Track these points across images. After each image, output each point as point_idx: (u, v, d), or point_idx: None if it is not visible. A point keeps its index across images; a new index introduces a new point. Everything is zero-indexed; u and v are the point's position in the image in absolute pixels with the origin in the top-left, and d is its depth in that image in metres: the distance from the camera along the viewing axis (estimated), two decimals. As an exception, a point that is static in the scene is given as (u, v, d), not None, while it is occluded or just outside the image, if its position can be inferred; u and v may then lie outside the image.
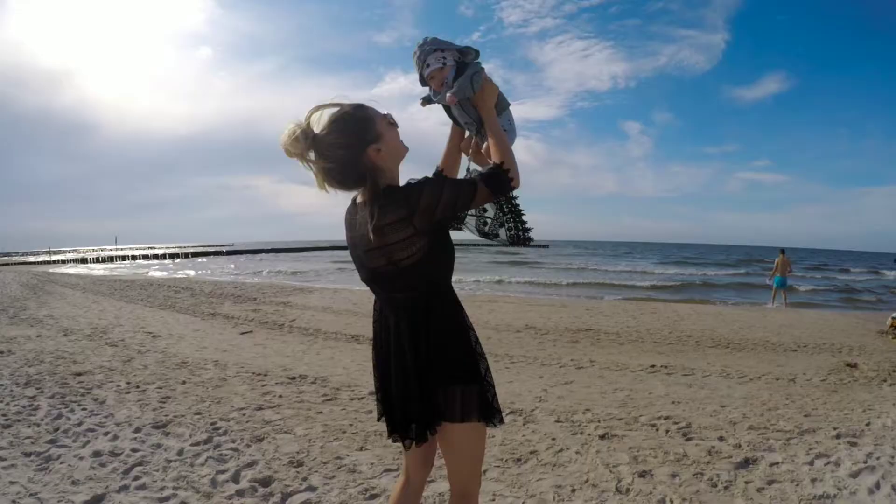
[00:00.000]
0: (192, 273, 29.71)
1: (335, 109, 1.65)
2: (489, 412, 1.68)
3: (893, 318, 9.46)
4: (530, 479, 3.28)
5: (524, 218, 1.87)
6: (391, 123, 1.70)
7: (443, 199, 1.58)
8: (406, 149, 1.75)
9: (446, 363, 1.65)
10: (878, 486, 3.16)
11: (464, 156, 2.05)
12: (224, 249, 73.11)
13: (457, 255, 1.76)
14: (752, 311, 13.73)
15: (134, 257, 53.02)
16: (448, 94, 1.83)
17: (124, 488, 3.14)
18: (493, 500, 2.99)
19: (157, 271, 32.35)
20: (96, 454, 3.62)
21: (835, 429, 4.18)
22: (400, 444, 1.80)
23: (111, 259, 50.10)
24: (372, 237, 1.60)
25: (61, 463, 3.48)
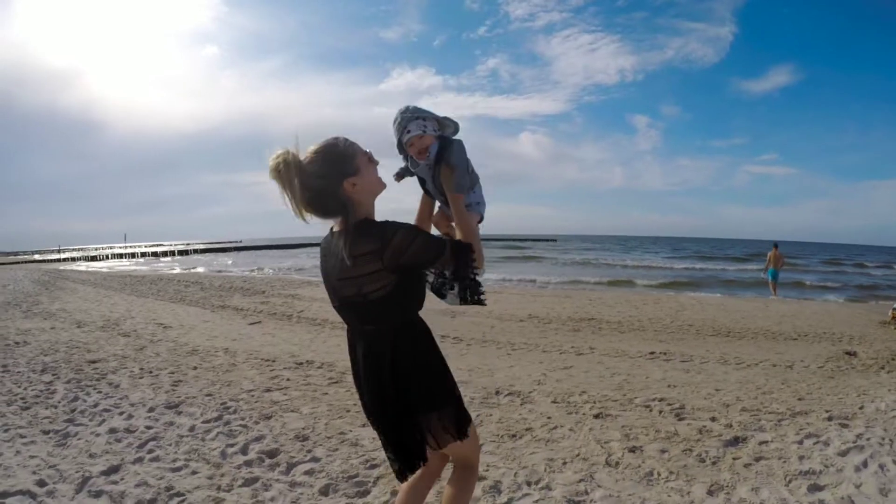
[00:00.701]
0: (201, 270, 29.98)
1: (318, 144, 1.73)
2: (464, 422, 1.84)
3: (894, 310, 9.53)
4: (524, 453, 3.40)
5: (481, 288, 1.88)
6: (371, 161, 1.78)
7: (413, 246, 1.66)
8: (384, 185, 1.82)
9: (419, 393, 1.77)
10: (865, 464, 3.23)
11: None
12: (231, 245, 73.52)
13: None
14: (755, 302, 13.81)
15: (143, 254, 53.43)
16: (452, 195, 1.87)
17: (139, 460, 3.31)
18: (487, 470, 3.12)
19: (166, 267, 32.58)
20: (112, 431, 3.79)
21: (827, 411, 4.26)
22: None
23: (120, 256, 50.55)
24: (348, 263, 1.66)
25: (79, 439, 3.65)
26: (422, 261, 1.71)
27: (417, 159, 1.93)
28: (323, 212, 1.74)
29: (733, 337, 8.26)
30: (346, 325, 1.88)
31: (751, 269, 30.79)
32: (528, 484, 2.97)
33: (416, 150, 1.91)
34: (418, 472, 1.96)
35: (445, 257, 1.72)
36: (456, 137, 1.95)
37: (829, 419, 4.08)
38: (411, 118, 1.88)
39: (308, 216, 1.73)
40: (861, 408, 4.40)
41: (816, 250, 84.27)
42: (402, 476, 1.86)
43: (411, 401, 1.76)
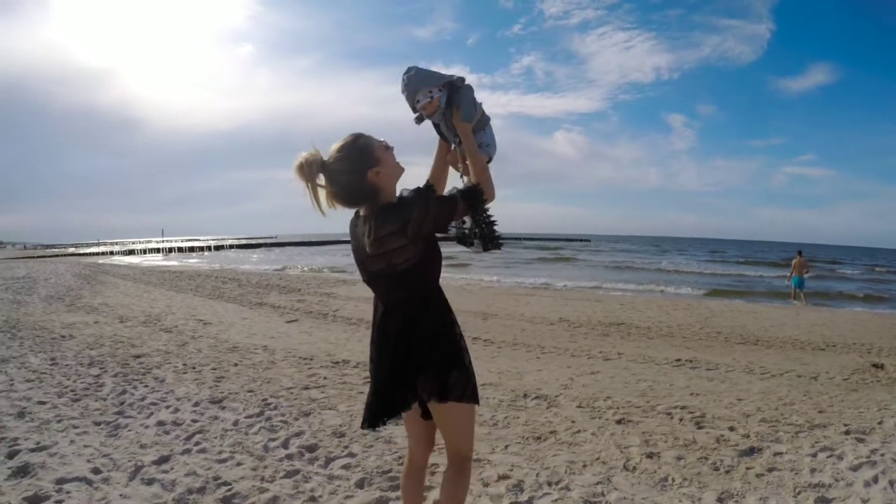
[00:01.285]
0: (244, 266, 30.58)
1: (340, 141, 1.92)
2: (473, 394, 1.98)
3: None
4: (547, 455, 3.61)
5: (495, 227, 2.09)
6: (387, 148, 1.96)
7: (429, 215, 1.86)
8: (402, 168, 2.00)
9: (438, 353, 1.93)
10: (875, 479, 3.30)
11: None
12: (267, 242, 74.79)
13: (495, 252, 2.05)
14: (786, 310, 13.72)
15: (180, 249, 54.79)
16: (460, 123, 2.09)
17: (187, 451, 3.59)
18: (511, 470, 3.33)
19: (198, 262, 33.12)
20: (160, 423, 4.10)
21: (846, 425, 4.33)
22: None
23: (158, 251, 51.96)
24: (370, 248, 1.87)
25: (129, 430, 3.95)
26: (441, 222, 1.91)
27: (432, 117, 2.18)
28: (352, 202, 1.95)
29: (761, 346, 8.30)
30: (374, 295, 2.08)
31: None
32: (549, 484, 3.17)
33: (430, 112, 2.14)
34: (406, 469, 2.23)
35: (460, 209, 1.94)
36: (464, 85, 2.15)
37: (847, 433, 4.15)
38: (416, 90, 2.09)
39: (331, 208, 1.94)
40: (880, 423, 4.45)
41: (857, 255, 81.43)
42: (366, 424, 2.04)
43: (430, 361, 1.92)
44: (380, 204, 1.92)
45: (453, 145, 2.26)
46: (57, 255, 42.18)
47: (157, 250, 52.33)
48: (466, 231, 2.12)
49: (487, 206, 2.03)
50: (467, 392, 1.96)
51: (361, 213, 2.00)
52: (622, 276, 27.73)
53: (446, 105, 2.12)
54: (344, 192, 1.91)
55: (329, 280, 18.58)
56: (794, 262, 16.43)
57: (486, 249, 2.09)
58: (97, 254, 46.81)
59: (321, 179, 1.92)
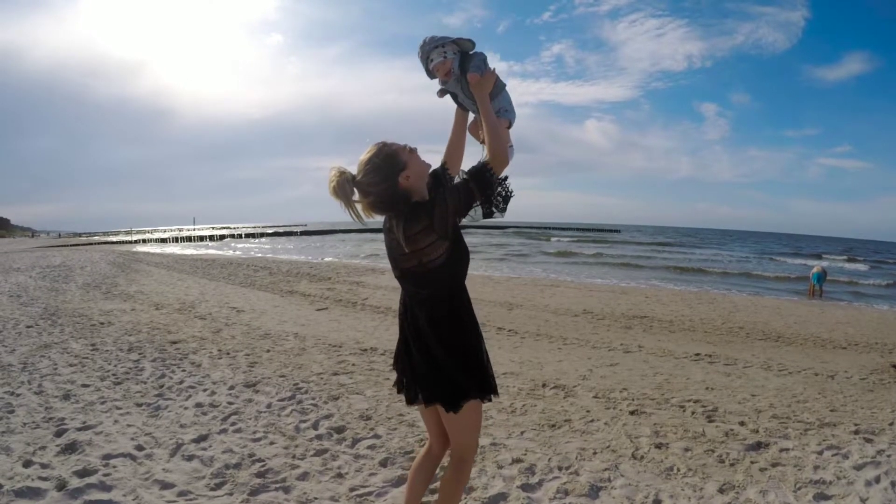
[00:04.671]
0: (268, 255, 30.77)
1: (366, 153, 2.01)
2: (486, 390, 2.07)
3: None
4: (560, 442, 3.82)
5: (510, 191, 2.11)
6: (411, 150, 2.04)
7: (449, 208, 1.94)
8: (429, 166, 2.09)
9: (457, 352, 2.02)
10: (877, 479, 3.39)
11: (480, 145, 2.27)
12: (297, 230, 75.58)
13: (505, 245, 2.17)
14: (811, 306, 13.64)
15: (212, 237, 55.86)
16: (470, 73, 2.11)
17: (223, 431, 3.89)
18: (525, 454, 3.56)
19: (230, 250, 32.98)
20: (198, 405, 4.41)
21: (856, 425, 4.42)
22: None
23: (189, 239, 53.09)
24: (406, 246, 1.97)
25: (169, 411, 4.27)
26: (463, 210, 1.98)
27: (445, 80, 2.22)
28: (388, 209, 2.03)
29: (782, 342, 8.35)
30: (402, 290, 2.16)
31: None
32: (559, 469, 3.38)
33: (443, 73, 2.19)
34: (422, 455, 2.31)
35: (475, 192, 1.99)
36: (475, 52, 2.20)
37: (856, 433, 4.24)
38: (432, 48, 2.15)
39: (370, 218, 2.05)
40: (891, 424, 4.53)
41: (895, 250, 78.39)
42: (410, 400, 2.18)
43: (450, 356, 2.01)
44: (409, 204, 2.01)
45: (472, 115, 2.29)
46: (91, 244, 43.44)
47: (189, 239, 53.44)
48: (486, 205, 2.10)
49: (501, 176, 2.06)
50: (482, 388, 2.06)
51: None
52: (652, 275, 23.51)
53: (460, 71, 2.16)
54: (378, 202, 2.00)
55: (358, 269, 18.89)
56: (818, 265, 16.65)
57: (503, 212, 2.10)
58: (129, 242, 48.04)
59: (356, 195, 2.01)
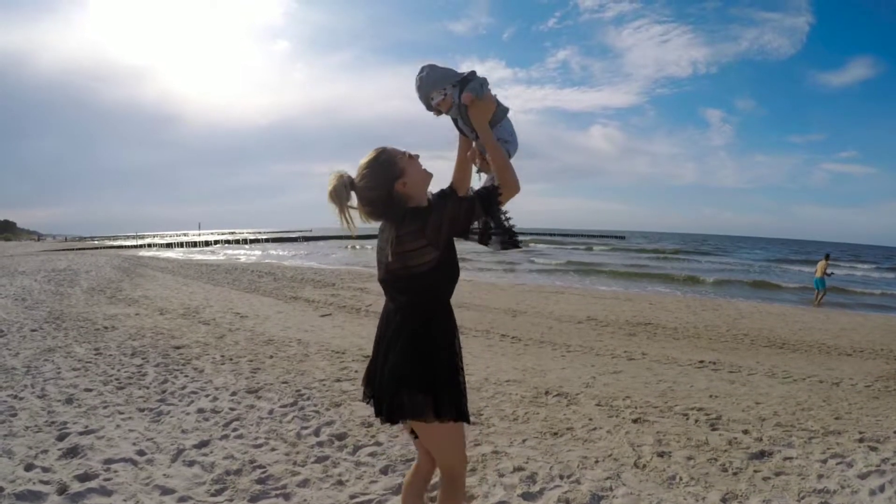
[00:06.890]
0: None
1: (365, 158, 2.00)
2: (461, 413, 1.98)
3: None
4: (562, 450, 3.80)
5: (512, 224, 2.09)
6: (411, 157, 2.02)
7: (446, 217, 1.90)
8: (430, 175, 2.05)
9: (432, 369, 1.94)
10: (882, 488, 3.35)
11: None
12: (301, 236, 75.44)
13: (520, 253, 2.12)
14: (817, 313, 13.58)
15: (217, 242, 55.94)
16: (465, 94, 2.03)
17: (225, 437, 3.89)
18: (527, 462, 3.54)
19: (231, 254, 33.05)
20: (200, 411, 4.40)
21: (860, 433, 4.38)
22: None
23: (194, 244, 53.25)
24: (391, 246, 1.92)
25: (171, 417, 4.27)
26: (459, 224, 1.94)
27: (449, 112, 2.14)
28: (383, 215, 2.01)
29: (787, 349, 8.32)
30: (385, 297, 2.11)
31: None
32: (561, 477, 3.36)
33: (445, 108, 2.11)
34: (411, 473, 2.28)
35: (477, 211, 1.95)
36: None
37: (861, 441, 4.21)
38: (430, 88, 2.08)
39: (367, 223, 2.03)
40: (896, 432, 4.50)
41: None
42: (377, 412, 2.08)
43: (416, 377, 1.92)
44: (406, 210, 1.98)
45: (473, 143, 2.21)
46: (96, 248, 43.58)
47: (194, 244, 53.59)
48: (485, 229, 2.09)
49: (504, 206, 2.02)
50: (451, 412, 1.95)
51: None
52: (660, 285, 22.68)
53: (459, 98, 2.08)
54: (373, 207, 1.99)
55: (362, 275, 18.85)
56: (819, 264, 16.56)
57: (503, 247, 2.09)
58: (135, 246, 48.22)
59: (353, 199, 2.00)
